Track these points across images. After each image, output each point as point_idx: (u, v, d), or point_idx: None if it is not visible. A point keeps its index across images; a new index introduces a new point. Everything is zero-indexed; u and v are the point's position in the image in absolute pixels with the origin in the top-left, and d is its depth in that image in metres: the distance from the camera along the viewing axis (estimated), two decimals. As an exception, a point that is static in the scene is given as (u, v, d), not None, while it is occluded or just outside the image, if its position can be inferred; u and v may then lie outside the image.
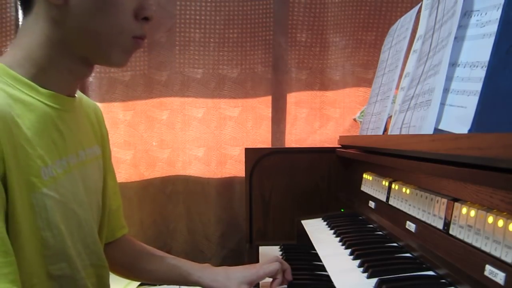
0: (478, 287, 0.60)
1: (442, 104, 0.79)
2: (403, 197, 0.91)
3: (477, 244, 0.62)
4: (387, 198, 0.99)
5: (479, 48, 0.74)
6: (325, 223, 1.23)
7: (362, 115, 1.51)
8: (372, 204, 1.11)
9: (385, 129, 1.17)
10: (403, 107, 1.00)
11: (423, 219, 0.80)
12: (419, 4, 1.12)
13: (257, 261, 1.22)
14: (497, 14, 0.71)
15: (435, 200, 0.76)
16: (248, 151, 1.50)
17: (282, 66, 1.74)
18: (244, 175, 1.50)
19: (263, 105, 1.74)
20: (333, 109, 1.75)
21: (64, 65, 0.74)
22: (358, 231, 1.07)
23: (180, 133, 1.74)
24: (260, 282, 1.02)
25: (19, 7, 0.75)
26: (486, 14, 0.75)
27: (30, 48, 0.71)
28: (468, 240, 0.64)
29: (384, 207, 1.02)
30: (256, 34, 1.72)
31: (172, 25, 1.69)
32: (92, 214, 0.83)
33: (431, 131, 0.79)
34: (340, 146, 1.50)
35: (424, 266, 0.78)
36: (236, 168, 1.74)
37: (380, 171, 1.10)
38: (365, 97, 1.71)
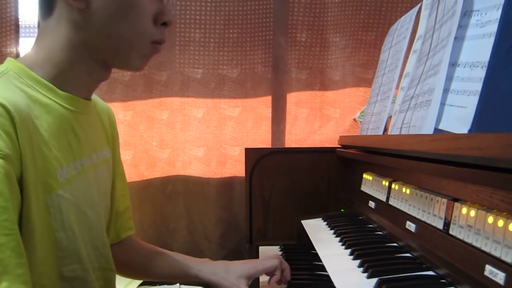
0: (478, 287, 0.60)
1: (442, 104, 0.79)
2: (403, 197, 0.91)
3: (477, 244, 0.62)
4: (387, 198, 0.99)
5: (479, 48, 0.74)
6: (325, 223, 1.23)
7: (362, 115, 1.51)
8: (372, 204, 1.11)
9: (385, 129, 1.17)
10: (403, 107, 1.00)
11: (423, 219, 0.80)
12: (419, 4, 1.12)
13: (257, 261, 1.22)
14: (497, 14, 0.71)
15: (435, 200, 0.76)
16: (248, 151, 1.50)
17: (282, 66, 1.74)
18: (244, 175, 1.50)
19: (263, 105, 1.74)
20: (333, 109, 1.75)
21: (84, 68, 0.75)
22: (358, 231, 1.07)
23: (180, 133, 1.74)
24: (260, 280, 1.03)
25: (39, 9, 0.74)
26: (486, 14, 0.75)
27: (51, 50, 0.72)
28: (468, 240, 0.64)
29: (384, 207, 1.02)
30: (256, 34, 1.72)
31: (172, 25, 1.69)
32: (101, 217, 0.83)
33: (431, 131, 0.79)
34: (340, 146, 1.50)
35: (424, 266, 0.78)
36: (236, 168, 1.74)
37: (380, 171, 1.09)
38: (365, 97, 1.71)
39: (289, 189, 1.49)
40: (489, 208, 0.61)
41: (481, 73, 0.70)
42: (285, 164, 1.49)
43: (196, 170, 1.74)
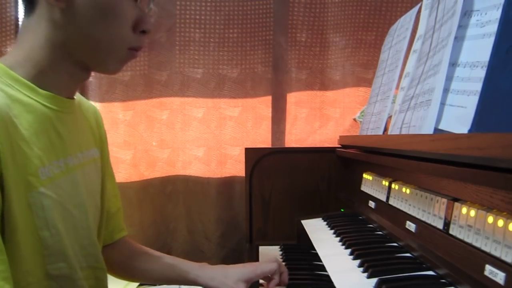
0: (478, 287, 0.60)
1: (442, 104, 0.79)
2: (403, 197, 0.91)
3: (477, 244, 0.62)
4: (387, 198, 0.99)
5: (479, 48, 0.74)
6: (325, 223, 1.23)
7: (362, 115, 1.51)
8: (372, 204, 1.11)
9: (385, 129, 1.17)
10: (403, 107, 1.00)
11: (423, 219, 0.80)
12: (419, 4, 1.12)
13: (257, 261, 1.22)
14: (497, 14, 0.71)
15: (435, 200, 0.76)
16: (248, 151, 1.50)
17: (282, 66, 1.74)
18: (244, 175, 1.50)
19: (263, 105, 1.74)
20: (333, 109, 1.75)
21: (64, 68, 0.74)
22: (358, 231, 1.07)
23: (180, 133, 1.74)
24: (260, 280, 1.03)
25: (21, 7, 0.75)
26: (486, 14, 0.75)
27: (31, 49, 0.72)
28: (468, 240, 0.64)
29: (384, 207, 1.02)
30: (256, 34, 1.72)
31: (172, 25, 1.69)
32: (90, 216, 0.83)
33: (431, 131, 0.79)
34: (340, 146, 1.50)
35: (424, 266, 0.78)
36: (236, 168, 1.74)
37: (380, 171, 1.10)
38: (365, 97, 1.71)
39: (289, 189, 1.49)
40: (489, 208, 0.61)
41: (481, 73, 0.70)
42: (285, 164, 1.49)
43: (196, 170, 1.74)
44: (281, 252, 1.25)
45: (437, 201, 0.75)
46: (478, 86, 0.69)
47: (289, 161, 1.49)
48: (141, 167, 1.73)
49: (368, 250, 0.91)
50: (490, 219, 0.59)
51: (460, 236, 0.67)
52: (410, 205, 0.87)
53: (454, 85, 0.78)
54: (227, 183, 1.74)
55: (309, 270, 1.07)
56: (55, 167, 0.73)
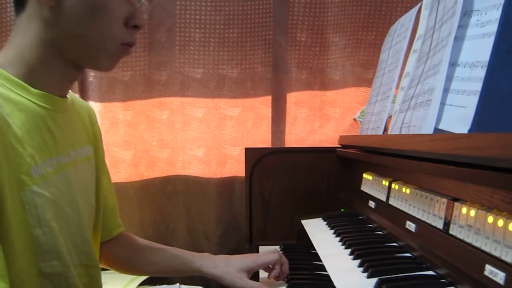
0: (478, 287, 0.61)
1: (442, 104, 0.79)
2: (403, 197, 0.91)
3: (477, 244, 0.62)
4: (387, 198, 0.99)
5: (479, 48, 0.74)
6: (325, 223, 1.23)
7: (362, 115, 1.51)
8: (372, 204, 1.11)
9: (385, 129, 1.17)
10: (403, 107, 1.00)
11: (423, 219, 0.80)
12: (419, 4, 1.12)
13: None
14: (497, 14, 0.71)
15: (435, 200, 0.76)
16: (248, 151, 1.50)
17: (282, 66, 1.74)
18: (244, 175, 1.50)
19: (263, 105, 1.74)
20: (333, 109, 1.75)
21: (55, 67, 0.74)
22: (358, 231, 1.07)
23: (180, 133, 1.74)
24: (260, 276, 1.03)
25: (14, 5, 0.74)
26: (486, 14, 0.75)
27: (22, 48, 0.72)
28: (468, 240, 0.64)
29: (384, 207, 1.02)
30: (256, 34, 1.72)
31: (172, 25, 1.69)
32: (83, 214, 0.83)
33: (431, 131, 0.79)
34: (340, 146, 1.50)
35: (424, 266, 0.78)
36: (236, 168, 1.74)
37: (380, 171, 1.10)
38: (365, 97, 1.71)
39: (289, 188, 1.49)
40: (489, 208, 0.61)
41: (481, 73, 0.70)
42: (285, 164, 1.49)
43: (196, 170, 1.74)
44: (281, 252, 1.25)
45: (437, 201, 0.75)
46: (478, 86, 0.69)
47: (289, 161, 1.49)
48: (141, 167, 1.73)
49: (368, 250, 0.91)
50: (490, 219, 0.59)
51: (460, 236, 0.67)
52: (410, 205, 0.87)
53: (454, 85, 0.78)
54: (227, 183, 1.74)
55: (309, 270, 1.07)
56: (48, 165, 0.73)
